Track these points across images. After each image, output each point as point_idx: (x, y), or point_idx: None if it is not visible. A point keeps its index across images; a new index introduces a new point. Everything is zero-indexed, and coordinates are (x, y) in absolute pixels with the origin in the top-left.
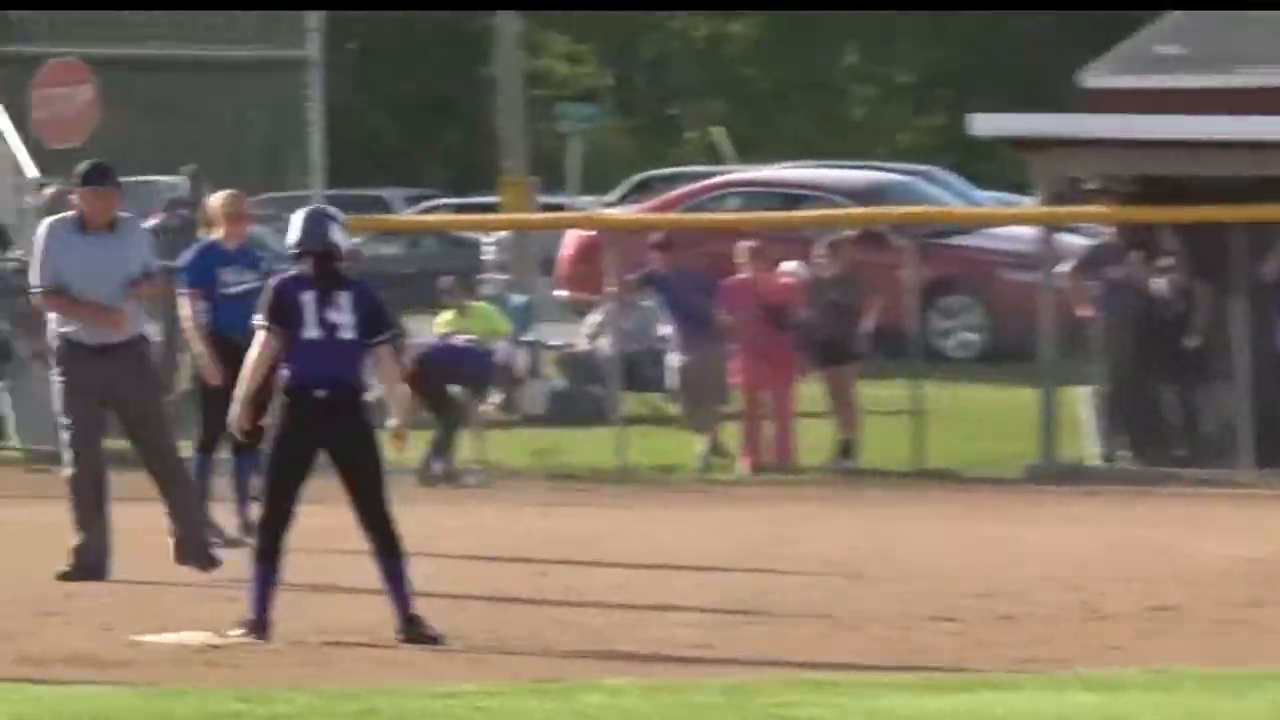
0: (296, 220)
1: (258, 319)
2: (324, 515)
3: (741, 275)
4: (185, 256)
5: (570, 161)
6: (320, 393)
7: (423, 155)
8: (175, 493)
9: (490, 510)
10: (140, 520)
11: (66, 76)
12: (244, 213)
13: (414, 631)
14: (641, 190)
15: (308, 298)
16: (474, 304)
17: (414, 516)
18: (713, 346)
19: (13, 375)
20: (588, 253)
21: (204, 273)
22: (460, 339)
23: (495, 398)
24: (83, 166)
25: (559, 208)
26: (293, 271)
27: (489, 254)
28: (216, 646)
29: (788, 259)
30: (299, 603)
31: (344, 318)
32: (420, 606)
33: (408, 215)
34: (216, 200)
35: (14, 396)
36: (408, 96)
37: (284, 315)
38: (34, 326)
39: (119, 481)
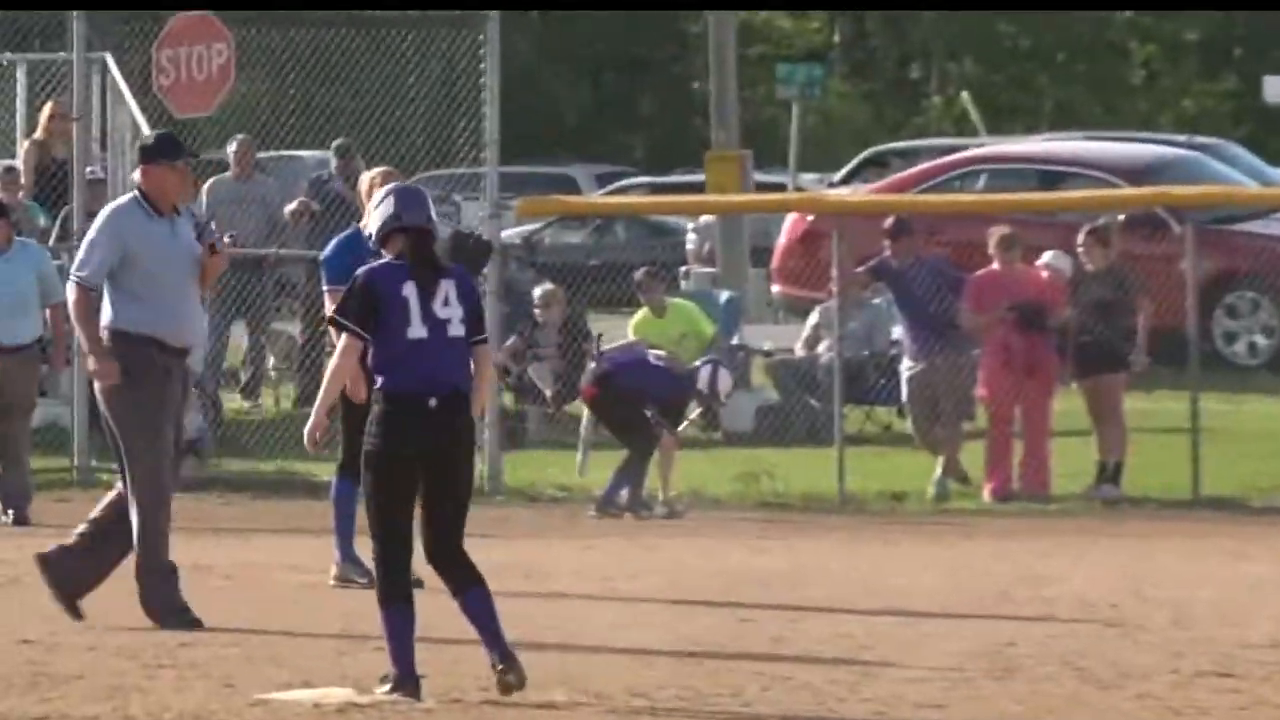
0: (383, 199)
1: (342, 318)
2: (486, 549)
3: (991, 267)
4: (328, 249)
5: (791, 133)
6: (433, 401)
7: (615, 126)
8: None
9: (684, 545)
10: (268, 555)
11: (197, 33)
12: None
13: (511, 668)
14: (874, 166)
15: (409, 290)
16: (673, 302)
17: (595, 554)
18: (954, 352)
19: None
20: (809, 241)
21: (350, 268)
22: (654, 355)
23: (692, 413)
24: (149, 139)
25: (776, 188)
26: (385, 259)
27: (692, 243)
28: (359, 706)
29: (1046, 248)
30: (456, 654)
31: (451, 311)
32: (595, 660)
33: (597, 196)
34: (368, 180)
35: None
36: (598, 57)
37: (381, 312)
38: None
39: (242, 513)
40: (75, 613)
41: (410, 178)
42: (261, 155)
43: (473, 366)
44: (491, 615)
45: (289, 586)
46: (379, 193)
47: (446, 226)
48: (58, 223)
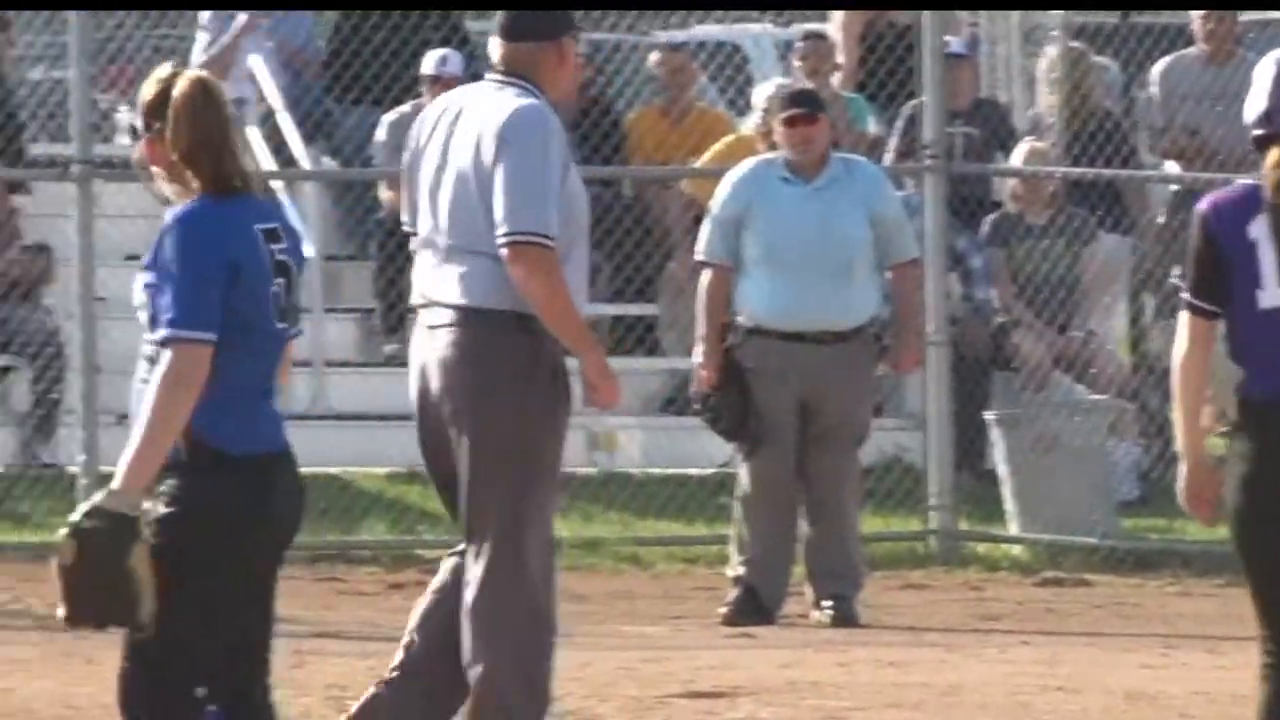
0: (1262, 72)
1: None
2: None
3: None
4: None
5: None
6: None
7: None
8: None
9: None
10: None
11: None
12: None
13: None
14: None
15: (1259, 229)
16: None
17: None
18: None
19: (1014, 421)
20: None
21: None
22: None
23: None
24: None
25: None
26: (1238, 185)
27: None
28: None
29: None
30: None
31: None
32: None
33: None
34: None
35: (1015, 455)
36: None
37: (1219, 274)
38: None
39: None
40: None
41: None
42: (1246, 18)
43: None
44: None
45: None
46: (1265, 60)
47: None
48: (896, 127)
